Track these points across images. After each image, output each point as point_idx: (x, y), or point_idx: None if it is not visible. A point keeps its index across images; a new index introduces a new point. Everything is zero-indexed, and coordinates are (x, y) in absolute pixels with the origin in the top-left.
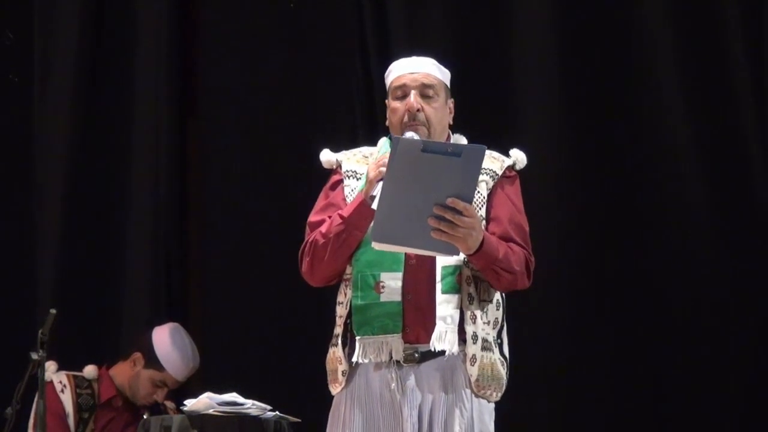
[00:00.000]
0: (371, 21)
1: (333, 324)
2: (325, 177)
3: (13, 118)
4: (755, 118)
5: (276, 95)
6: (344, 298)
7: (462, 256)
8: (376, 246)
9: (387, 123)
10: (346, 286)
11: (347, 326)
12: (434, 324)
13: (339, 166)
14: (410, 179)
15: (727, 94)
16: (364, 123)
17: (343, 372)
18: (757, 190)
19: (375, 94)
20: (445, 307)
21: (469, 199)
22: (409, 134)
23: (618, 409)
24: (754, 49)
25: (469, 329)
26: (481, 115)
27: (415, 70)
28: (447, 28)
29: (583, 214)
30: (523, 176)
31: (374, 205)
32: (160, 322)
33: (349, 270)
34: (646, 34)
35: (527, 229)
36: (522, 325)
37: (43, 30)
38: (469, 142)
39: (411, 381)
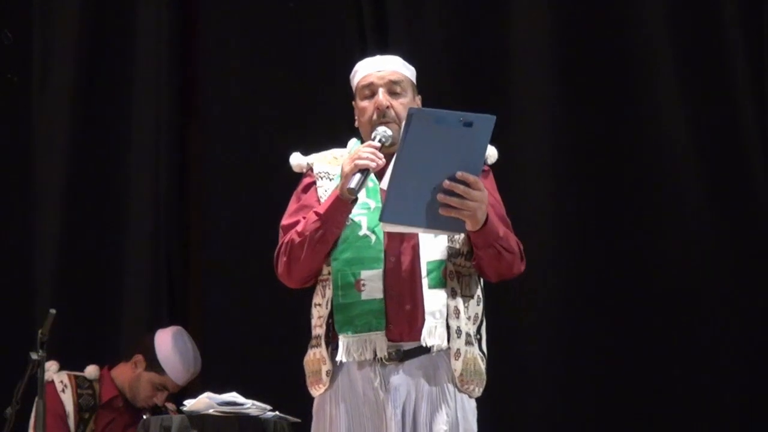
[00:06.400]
0: (371, 21)
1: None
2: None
3: (12, 118)
4: (755, 118)
5: (276, 95)
6: (322, 299)
7: (444, 251)
8: (384, 227)
9: (356, 124)
10: (323, 286)
11: (329, 326)
12: (419, 319)
13: (310, 169)
14: (421, 153)
15: (727, 94)
16: None
17: (327, 372)
18: (757, 190)
19: None
20: (434, 301)
21: (477, 172)
22: (382, 128)
23: (615, 409)
24: (754, 49)
25: (453, 323)
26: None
27: (381, 68)
28: (446, 27)
29: (581, 214)
30: (519, 176)
31: (383, 185)
32: (160, 322)
33: (326, 270)
34: (646, 32)
35: (509, 221)
36: (518, 324)
37: (43, 30)
38: None
39: (394, 379)
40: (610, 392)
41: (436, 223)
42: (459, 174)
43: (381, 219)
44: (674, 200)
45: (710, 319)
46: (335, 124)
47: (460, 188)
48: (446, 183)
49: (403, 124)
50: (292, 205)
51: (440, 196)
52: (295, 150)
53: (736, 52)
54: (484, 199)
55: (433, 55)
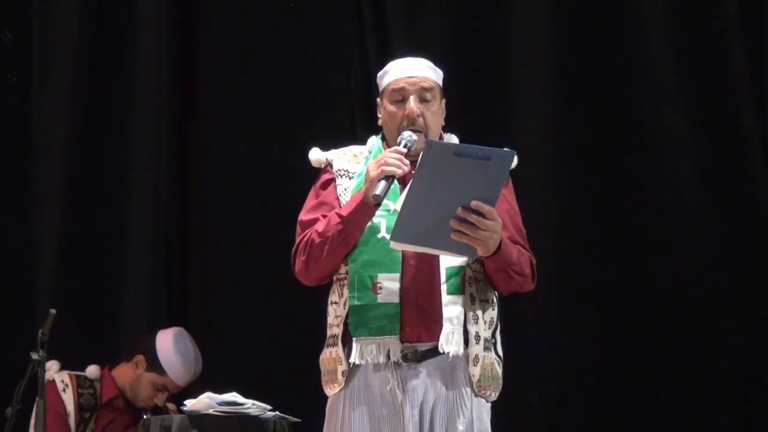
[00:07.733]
0: (371, 21)
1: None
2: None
3: (12, 118)
4: (755, 118)
5: (275, 95)
6: (339, 298)
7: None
8: (394, 246)
9: (380, 122)
10: (340, 285)
11: (346, 326)
12: (437, 324)
13: (329, 164)
14: (437, 182)
15: (727, 94)
16: (364, 123)
17: (342, 372)
18: (757, 191)
19: (374, 94)
20: (452, 308)
21: (493, 203)
22: (407, 133)
23: (612, 408)
24: (754, 49)
25: (472, 329)
26: (479, 114)
27: (413, 74)
28: (446, 27)
29: (580, 214)
30: (519, 176)
31: (397, 206)
32: (160, 322)
33: (343, 269)
34: (645, 33)
35: (524, 230)
36: (516, 323)
37: (42, 30)
38: (462, 141)
39: (411, 380)
40: (610, 392)
41: (447, 246)
42: (474, 203)
43: (391, 239)
44: (674, 200)
45: (710, 319)
46: (335, 124)
47: (473, 217)
48: (459, 211)
49: (422, 153)
50: (310, 201)
51: (453, 222)
52: (294, 150)
53: (736, 53)
54: (497, 228)
55: (433, 55)
